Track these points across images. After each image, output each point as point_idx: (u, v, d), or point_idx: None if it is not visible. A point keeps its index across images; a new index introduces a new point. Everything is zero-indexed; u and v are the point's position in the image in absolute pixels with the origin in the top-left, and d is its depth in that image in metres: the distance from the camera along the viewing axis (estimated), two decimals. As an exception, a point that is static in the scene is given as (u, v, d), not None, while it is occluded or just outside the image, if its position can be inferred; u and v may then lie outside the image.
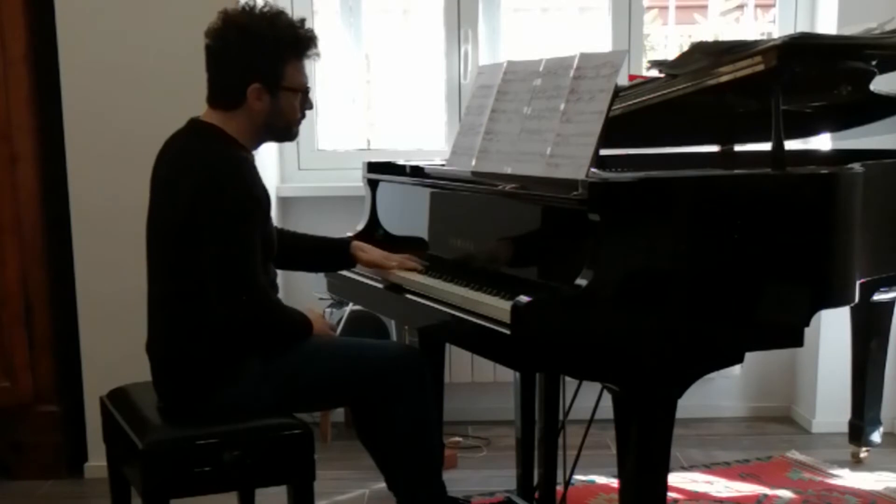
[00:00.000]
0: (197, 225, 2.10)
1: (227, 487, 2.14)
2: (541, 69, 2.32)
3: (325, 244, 2.58)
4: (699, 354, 1.95)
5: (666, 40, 4.32)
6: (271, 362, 2.20)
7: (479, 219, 2.32)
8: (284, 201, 3.65)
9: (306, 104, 2.28)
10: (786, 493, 3.00)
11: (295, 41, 2.20)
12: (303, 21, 2.24)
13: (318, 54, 2.26)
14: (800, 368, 3.74)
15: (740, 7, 4.20)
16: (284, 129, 2.27)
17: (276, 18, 2.19)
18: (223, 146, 2.17)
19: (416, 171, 2.66)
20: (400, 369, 2.28)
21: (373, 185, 2.81)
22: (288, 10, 3.59)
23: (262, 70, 2.17)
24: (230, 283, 2.11)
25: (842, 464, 3.24)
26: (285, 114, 2.23)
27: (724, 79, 2.22)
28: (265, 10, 2.20)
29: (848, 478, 3.13)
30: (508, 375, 3.11)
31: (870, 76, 2.55)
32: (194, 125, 2.23)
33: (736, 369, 3.52)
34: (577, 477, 2.99)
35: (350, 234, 2.75)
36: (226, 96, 2.20)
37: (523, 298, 1.81)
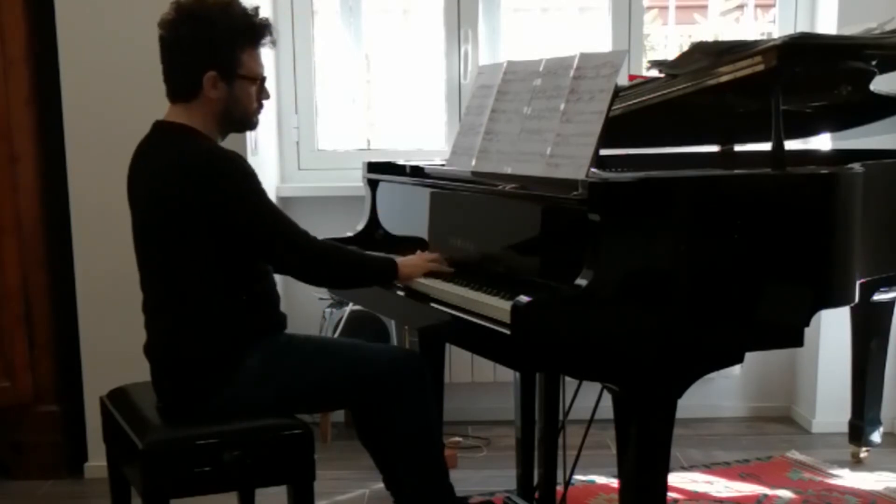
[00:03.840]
0: (200, 220, 2.10)
1: (227, 487, 2.13)
2: (541, 69, 2.32)
3: None
4: (699, 354, 1.95)
5: (666, 40, 4.32)
6: (271, 364, 2.20)
7: (479, 219, 2.32)
8: (284, 201, 3.65)
9: (263, 94, 2.28)
10: (786, 493, 3.00)
11: (250, 29, 2.20)
12: (257, 9, 2.24)
13: (273, 42, 2.27)
14: (800, 368, 3.74)
15: (740, 7, 4.20)
16: (243, 118, 2.26)
17: (230, 7, 2.19)
18: (195, 140, 2.17)
19: (416, 171, 2.66)
20: (400, 372, 2.28)
21: (373, 185, 2.81)
22: (288, 11, 3.65)
23: (217, 58, 2.16)
24: (287, 242, 2.17)
25: (842, 464, 3.24)
26: (242, 102, 2.22)
27: (724, 79, 2.22)
28: None
29: (848, 478, 3.13)
30: (508, 375, 3.11)
31: (870, 76, 2.55)
32: (160, 127, 2.23)
33: (736, 369, 3.52)
34: (577, 477, 2.99)
35: (350, 234, 2.75)
36: (182, 87, 2.19)
37: (523, 298, 1.81)
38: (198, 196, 2.09)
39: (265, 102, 2.30)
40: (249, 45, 2.21)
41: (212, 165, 2.11)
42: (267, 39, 2.24)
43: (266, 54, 2.30)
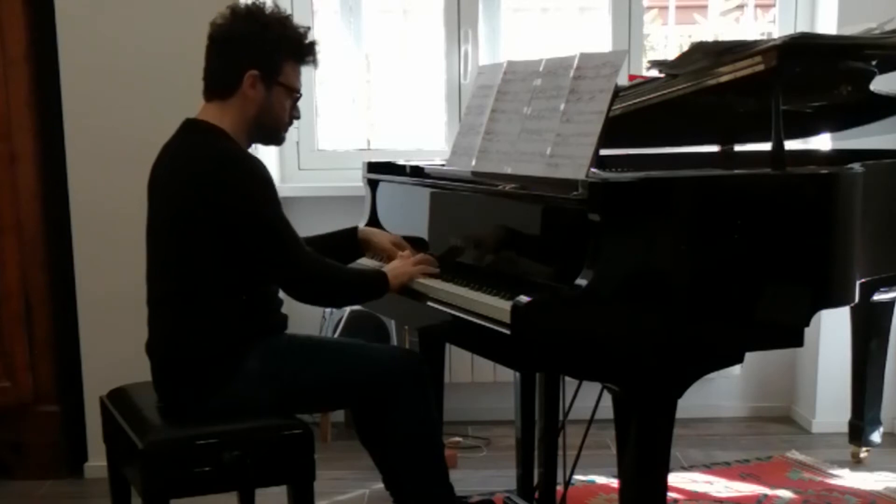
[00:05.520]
0: (209, 219, 2.11)
1: (227, 487, 2.14)
2: (541, 69, 2.32)
3: (332, 241, 2.55)
4: (699, 354, 1.95)
5: (666, 40, 4.32)
6: (271, 364, 2.20)
7: (479, 219, 2.32)
8: (284, 201, 3.58)
9: (295, 110, 2.31)
10: (786, 493, 3.00)
11: (298, 43, 2.26)
12: (308, 29, 2.29)
13: (315, 63, 2.32)
14: (800, 368, 3.74)
15: (740, 7, 4.20)
16: (273, 128, 2.29)
17: (286, 19, 2.26)
18: (220, 140, 2.18)
19: (416, 171, 2.66)
20: (400, 373, 2.28)
21: (373, 185, 2.81)
22: (288, 10, 3.64)
23: (262, 58, 2.20)
24: (285, 257, 2.16)
25: (842, 464, 3.24)
26: (275, 110, 2.25)
27: (724, 79, 2.22)
28: (275, 10, 2.28)
29: (848, 478, 3.13)
30: (508, 375, 3.10)
31: (870, 76, 2.55)
32: (188, 124, 2.24)
33: (736, 369, 3.52)
34: (577, 477, 2.99)
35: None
36: (222, 81, 2.21)
37: (523, 298, 1.81)
38: (214, 195, 2.10)
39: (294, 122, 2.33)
40: (294, 58, 2.26)
41: (234, 166, 2.13)
42: (310, 58, 2.29)
43: None
